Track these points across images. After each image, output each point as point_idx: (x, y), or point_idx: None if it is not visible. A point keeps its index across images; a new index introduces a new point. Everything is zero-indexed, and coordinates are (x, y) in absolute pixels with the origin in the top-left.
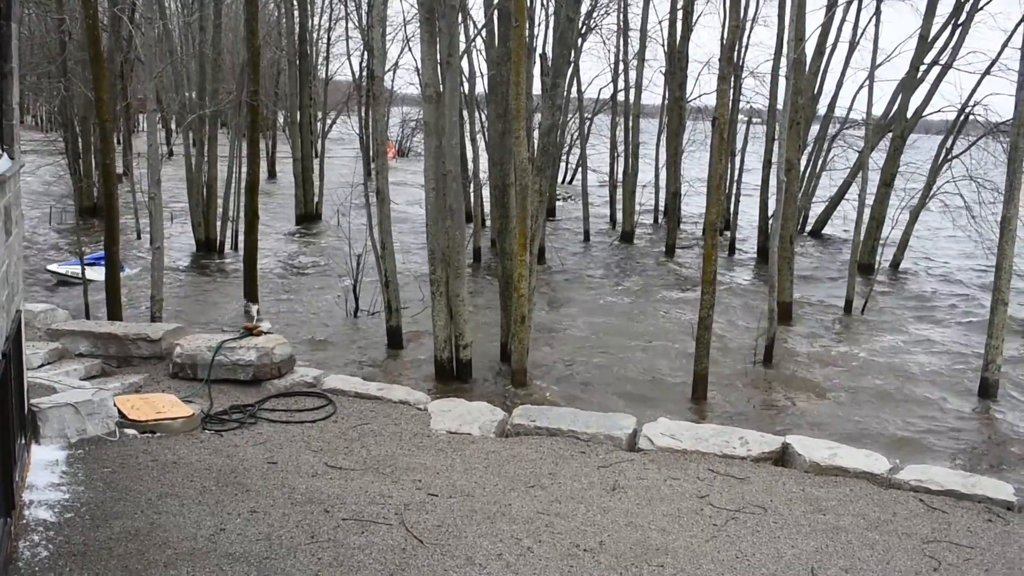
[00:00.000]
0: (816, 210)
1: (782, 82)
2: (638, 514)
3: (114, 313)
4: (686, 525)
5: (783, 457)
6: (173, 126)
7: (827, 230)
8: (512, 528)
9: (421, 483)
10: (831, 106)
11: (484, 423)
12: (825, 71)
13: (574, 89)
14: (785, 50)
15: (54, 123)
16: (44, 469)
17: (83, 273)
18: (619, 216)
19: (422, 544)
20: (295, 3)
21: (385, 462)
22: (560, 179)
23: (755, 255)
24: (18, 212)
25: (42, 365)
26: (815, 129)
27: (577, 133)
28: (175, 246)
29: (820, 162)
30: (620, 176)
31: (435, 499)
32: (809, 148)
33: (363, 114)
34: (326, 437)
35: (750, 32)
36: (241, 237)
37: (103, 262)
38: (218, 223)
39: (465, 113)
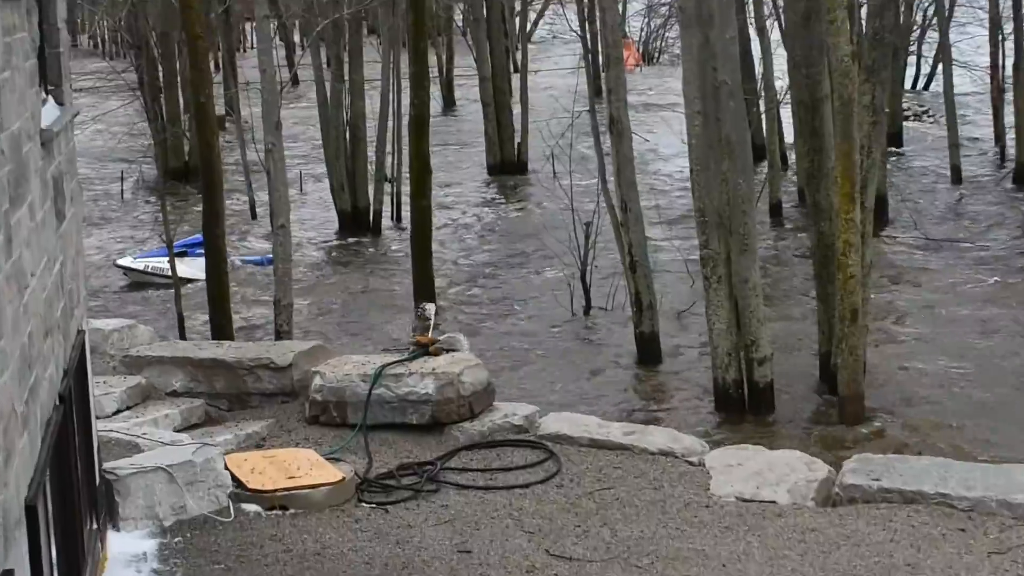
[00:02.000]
0: None
1: None
2: None
3: (221, 329)
4: None
5: None
6: (297, 38)
7: None
8: None
9: None
10: None
11: (796, 483)
12: None
13: None
14: None
15: (121, 44)
16: (126, 567)
17: (172, 268)
18: (1010, 143)
19: None
20: None
21: (639, 549)
22: (908, 84)
23: None
24: (73, 184)
25: (119, 411)
26: None
27: (932, 7)
28: (308, 223)
29: None
30: (1010, 74)
31: None
32: None
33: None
34: (546, 510)
35: None
36: (406, 204)
37: (201, 251)
38: (370, 185)
39: None
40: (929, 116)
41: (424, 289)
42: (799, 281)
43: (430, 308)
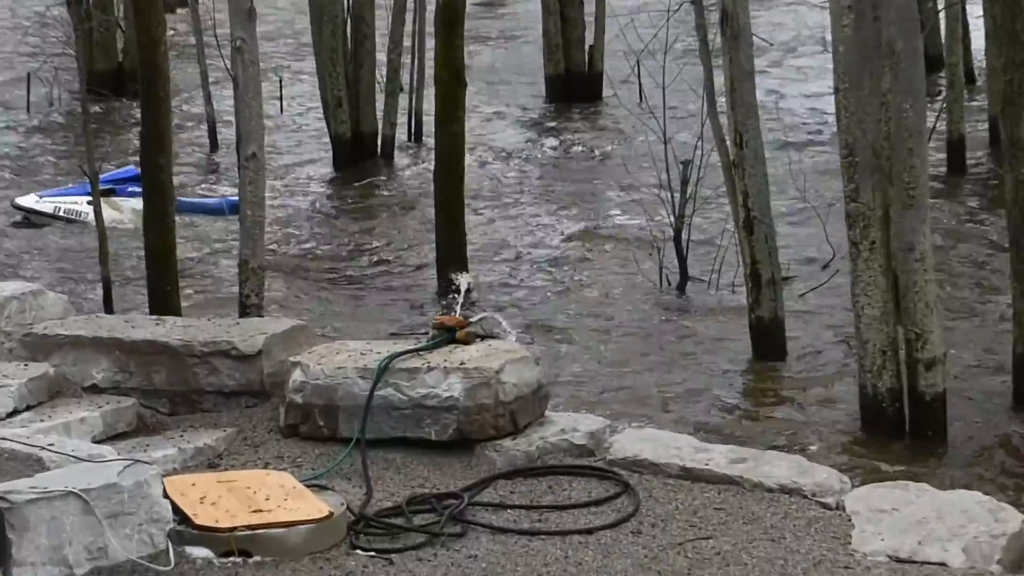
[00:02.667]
0: None
1: None
2: None
3: (164, 300)
4: None
5: None
6: None
7: None
8: None
9: None
10: None
11: (976, 539)
12: None
13: None
14: None
15: None
16: None
17: (97, 212)
18: None
19: None
20: None
21: None
22: None
23: None
24: None
25: (16, 412)
26: None
27: None
28: (290, 153)
29: None
30: None
31: None
32: None
33: None
34: (617, 567)
35: None
36: (428, 128)
37: (137, 188)
38: (379, 101)
39: None
40: None
41: (452, 249)
42: (985, 252)
43: (463, 279)
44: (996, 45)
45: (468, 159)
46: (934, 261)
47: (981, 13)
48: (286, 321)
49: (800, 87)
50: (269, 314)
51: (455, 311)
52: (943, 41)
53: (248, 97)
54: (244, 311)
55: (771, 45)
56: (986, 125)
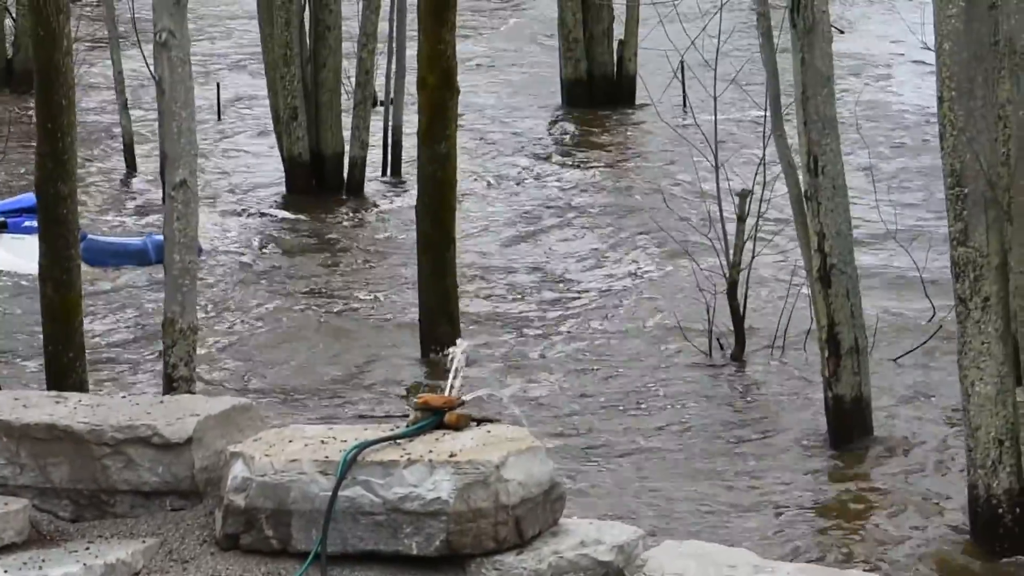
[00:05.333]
0: None
1: None
2: None
3: (65, 369)
4: None
5: None
6: None
7: None
8: None
9: None
10: None
11: None
12: None
13: None
14: None
15: None
16: None
17: None
18: None
19: None
20: None
21: None
22: None
23: None
24: None
25: None
26: None
27: None
28: (232, 177)
29: None
30: None
31: None
32: None
33: None
34: None
35: None
36: (409, 151)
37: (32, 223)
38: (346, 112)
39: None
40: None
41: (439, 304)
42: None
43: (459, 347)
44: None
45: (460, 187)
46: None
47: None
48: (224, 399)
49: (886, 89)
50: (203, 390)
51: (450, 389)
52: None
53: (176, 106)
54: (170, 386)
55: (842, 33)
56: None
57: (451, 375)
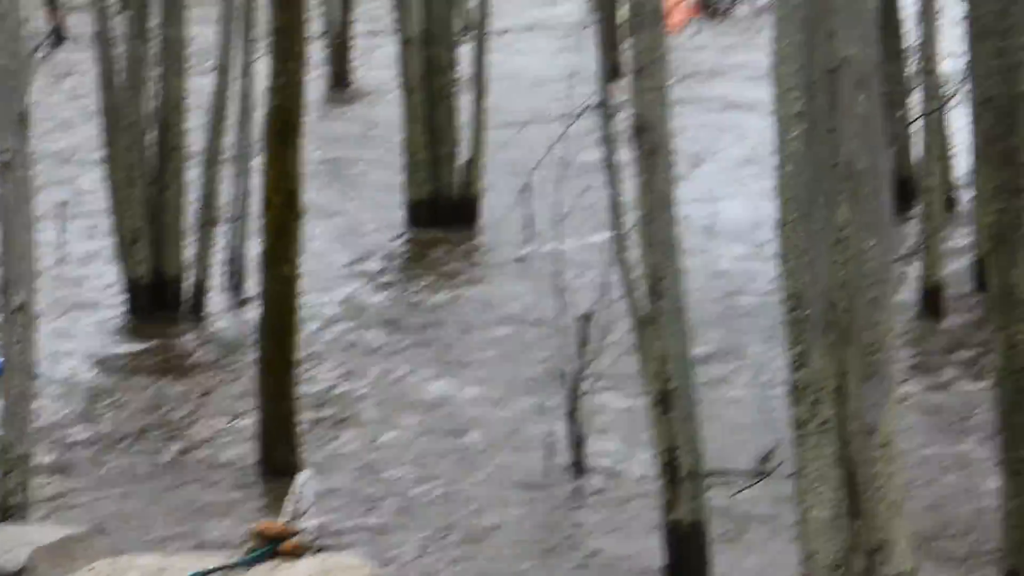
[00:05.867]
0: None
1: None
2: None
3: None
4: None
5: None
6: None
7: None
8: None
9: None
10: None
11: None
12: None
13: None
14: None
15: None
16: None
17: None
18: None
19: None
20: None
21: None
22: None
23: None
24: None
25: None
26: None
27: None
28: (71, 299)
29: None
30: None
31: None
32: None
33: None
34: None
35: None
36: (251, 274)
37: None
38: (190, 234)
39: None
40: None
41: (278, 427)
42: (966, 436)
43: (302, 476)
44: (987, 166)
45: (303, 312)
46: (901, 448)
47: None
48: (58, 529)
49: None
50: (38, 520)
51: (293, 517)
52: (920, 160)
53: (16, 226)
54: (3, 515)
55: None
56: (968, 269)
57: (290, 502)
